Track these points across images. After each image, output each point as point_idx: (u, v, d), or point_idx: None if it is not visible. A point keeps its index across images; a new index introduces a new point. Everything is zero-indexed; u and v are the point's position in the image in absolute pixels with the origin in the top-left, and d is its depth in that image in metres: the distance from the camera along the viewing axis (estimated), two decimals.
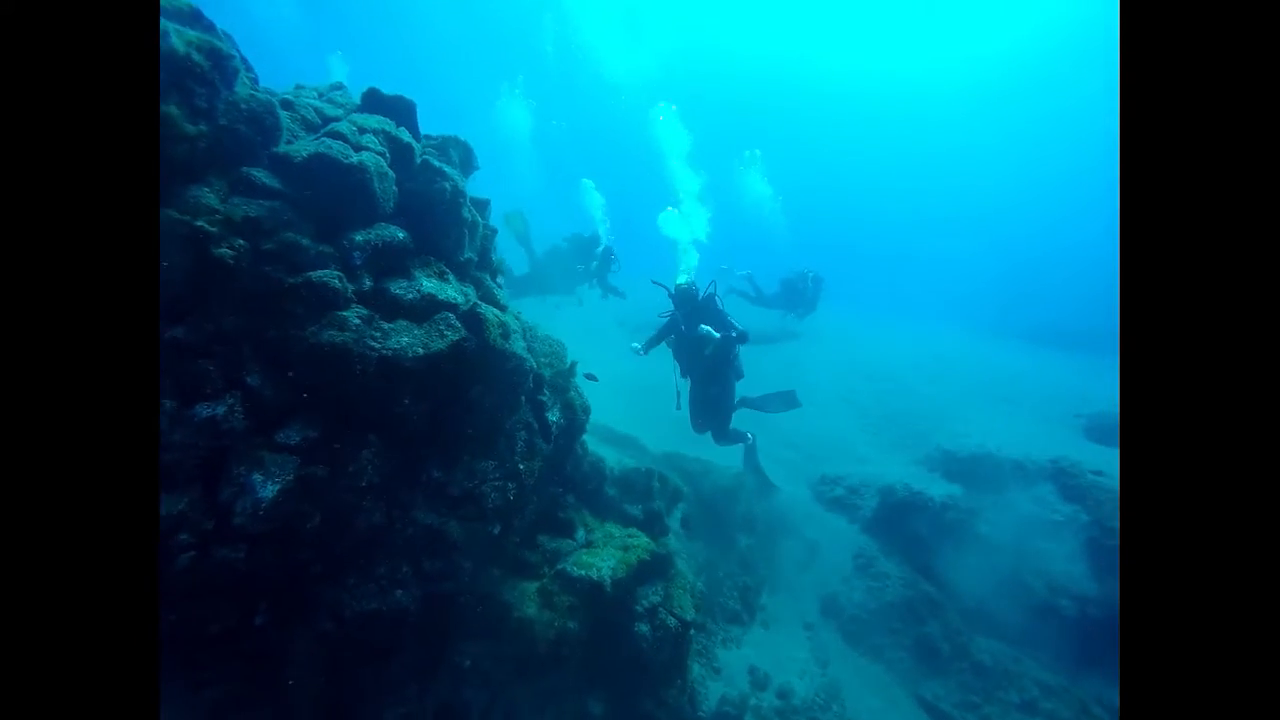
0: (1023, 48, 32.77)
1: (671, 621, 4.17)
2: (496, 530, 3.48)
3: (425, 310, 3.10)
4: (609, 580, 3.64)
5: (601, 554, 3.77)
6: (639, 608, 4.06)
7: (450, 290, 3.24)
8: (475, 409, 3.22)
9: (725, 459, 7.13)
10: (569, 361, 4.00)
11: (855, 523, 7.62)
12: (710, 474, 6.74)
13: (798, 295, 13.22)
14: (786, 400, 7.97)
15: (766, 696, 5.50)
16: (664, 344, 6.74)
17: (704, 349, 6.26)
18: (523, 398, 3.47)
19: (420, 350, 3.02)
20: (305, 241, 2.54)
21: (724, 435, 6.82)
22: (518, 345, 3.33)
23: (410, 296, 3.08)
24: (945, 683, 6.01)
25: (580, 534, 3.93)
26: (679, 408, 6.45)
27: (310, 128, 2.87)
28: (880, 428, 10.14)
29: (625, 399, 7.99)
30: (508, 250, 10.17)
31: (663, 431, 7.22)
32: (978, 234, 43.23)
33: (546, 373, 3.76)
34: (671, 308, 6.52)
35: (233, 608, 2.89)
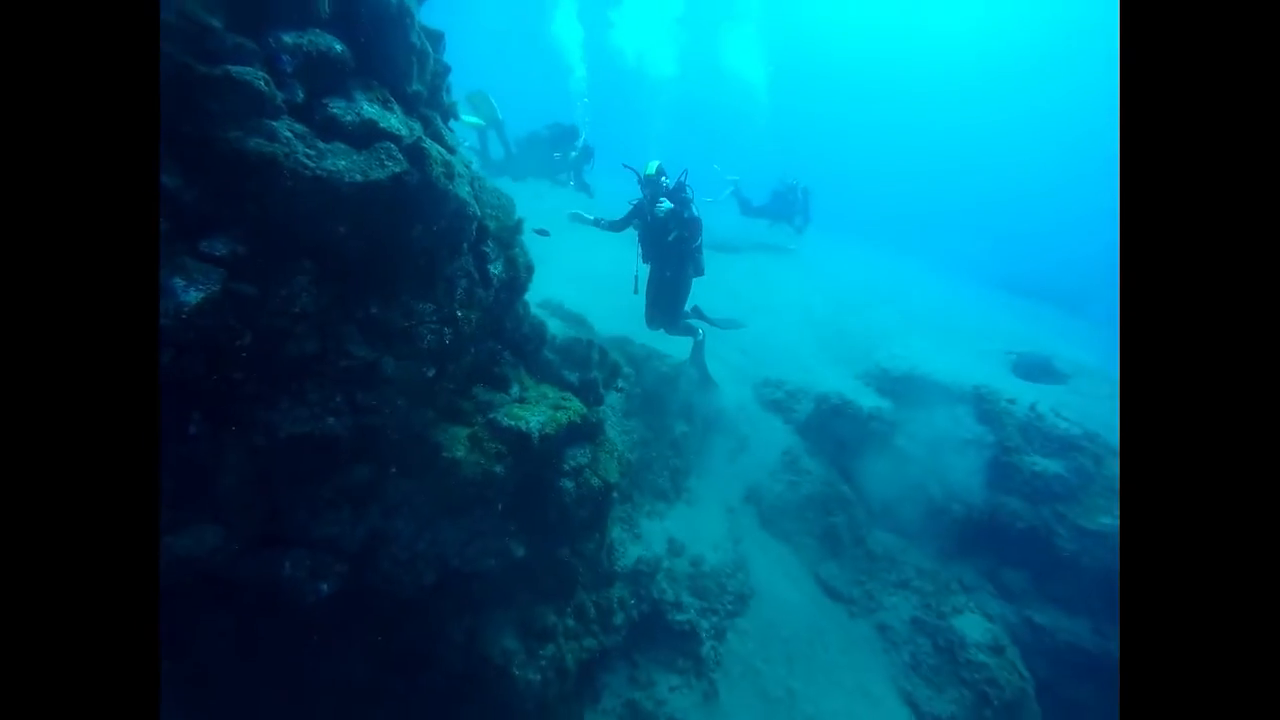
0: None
1: (595, 481, 4.47)
2: (431, 373, 3.57)
3: (365, 136, 2.96)
4: (537, 434, 3.83)
5: (533, 409, 3.94)
6: (566, 466, 4.32)
7: (394, 120, 3.08)
8: (415, 247, 3.18)
9: (671, 349, 7.34)
10: (516, 217, 3.94)
11: (789, 424, 8.12)
12: (653, 360, 6.96)
13: (788, 206, 13.15)
14: (732, 322, 8.30)
15: (680, 562, 6.08)
16: (630, 233, 6.74)
17: (667, 235, 6.30)
18: (465, 245, 3.44)
19: (359, 177, 2.92)
20: (216, 24, 2.32)
21: (675, 325, 6.99)
22: (463, 189, 3.24)
23: (349, 118, 2.92)
24: (840, 564, 6.76)
25: (515, 390, 4.08)
26: (636, 291, 6.54)
27: None
28: (829, 343, 10.52)
29: (581, 282, 8.01)
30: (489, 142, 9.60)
31: (614, 317, 7.32)
32: (961, 175, 42.98)
33: (492, 225, 3.71)
34: (640, 194, 6.47)
35: (166, 413, 2.95)
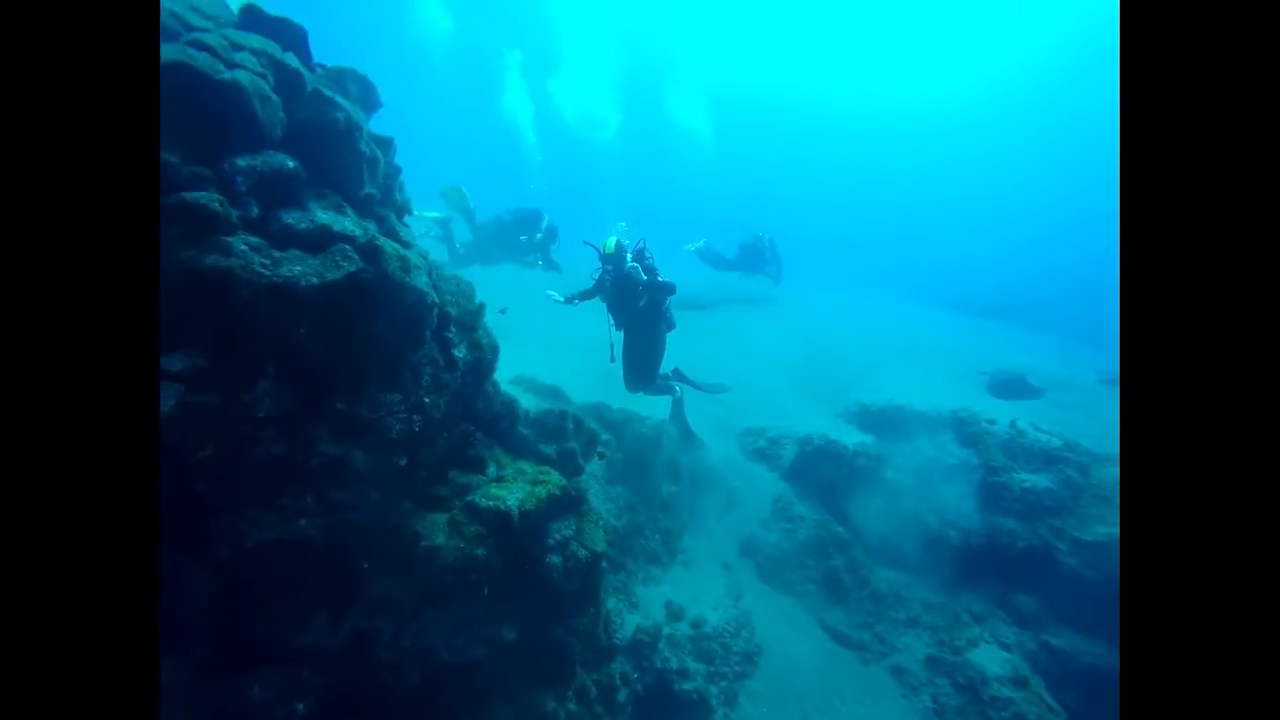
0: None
1: (583, 553, 4.39)
2: (403, 462, 3.56)
3: (320, 241, 3.09)
4: (516, 511, 3.79)
5: (511, 487, 3.92)
6: (550, 541, 4.24)
7: (348, 223, 3.23)
8: (377, 341, 3.25)
9: (650, 409, 7.38)
10: (477, 302, 4.06)
11: (775, 471, 8.09)
12: (633, 423, 6.97)
13: (757, 257, 13.38)
14: (717, 386, 8.40)
15: (681, 626, 5.88)
16: (598, 301, 6.88)
17: (637, 301, 6.45)
18: (427, 332, 3.52)
19: (315, 280, 3.02)
20: (173, 159, 2.47)
21: (653, 386, 7.05)
22: (420, 280, 3.36)
23: (303, 226, 3.05)
24: (846, 609, 6.59)
25: (492, 470, 4.06)
26: (613, 360, 6.63)
27: (169, 35, 2.75)
28: (806, 385, 10.66)
29: (555, 355, 8.11)
30: (457, 229, 10.04)
31: (589, 385, 7.39)
32: (915, 207, 44.75)
33: (453, 311, 3.81)
34: (601, 267, 6.67)
35: None
